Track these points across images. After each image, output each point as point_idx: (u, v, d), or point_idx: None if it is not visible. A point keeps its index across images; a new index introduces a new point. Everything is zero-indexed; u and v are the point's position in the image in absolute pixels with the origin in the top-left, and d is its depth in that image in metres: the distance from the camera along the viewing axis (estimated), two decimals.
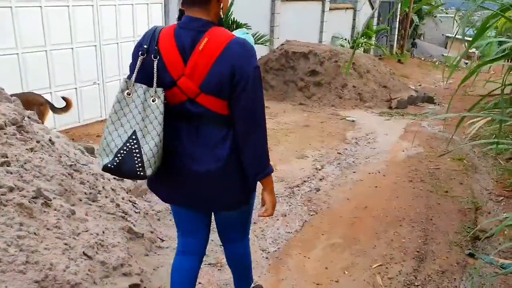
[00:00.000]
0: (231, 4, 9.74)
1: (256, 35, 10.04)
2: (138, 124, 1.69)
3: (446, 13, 26.37)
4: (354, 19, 16.90)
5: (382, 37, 19.46)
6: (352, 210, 4.19)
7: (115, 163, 1.68)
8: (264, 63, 10.65)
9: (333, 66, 9.91)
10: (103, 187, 3.21)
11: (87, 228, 2.70)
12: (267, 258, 3.24)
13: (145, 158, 1.68)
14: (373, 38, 17.08)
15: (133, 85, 1.72)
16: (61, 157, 3.12)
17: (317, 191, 4.65)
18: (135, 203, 3.42)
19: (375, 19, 18.29)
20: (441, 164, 5.74)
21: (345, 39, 15.76)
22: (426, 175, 5.31)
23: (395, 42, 20.63)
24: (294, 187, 4.68)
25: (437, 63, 21.15)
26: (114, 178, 3.62)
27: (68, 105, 5.16)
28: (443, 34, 26.89)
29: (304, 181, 4.91)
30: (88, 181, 3.12)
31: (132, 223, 3.11)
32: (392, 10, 19.84)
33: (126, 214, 3.15)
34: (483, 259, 3.35)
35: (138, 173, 1.70)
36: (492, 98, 10.40)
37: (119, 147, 1.68)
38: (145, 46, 1.73)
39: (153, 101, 1.70)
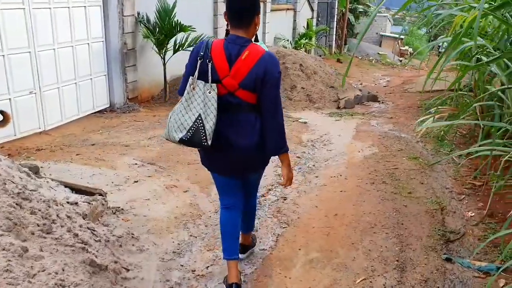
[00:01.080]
0: (173, 6, 9.39)
1: (200, 38, 9.71)
2: (201, 109, 2.37)
3: (380, 12, 27.31)
4: (294, 20, 16.97)
5: (322, 37, 19.73)
6: (323, 219, 4.03)
7: (188, 136, 2.40)
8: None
9: (282, 68, 9.77)
10: (57, 215, 2.82)
11: (43, 267, 2.32)
12: (244, 281, 2.98)
13: (208, 133, 2.37)
14: (314, 39, 17.23)
15: (196, 81, 2.41)
16: (5, 184, 2.70)
17: (284, 200, 4.45)
18: (94, 230, 3.05)
19: (314, 20, 18.48)
20: (398, 164, 5.73)
21: (287, 40, 15.77)
22: (386, 176, 5.26)
23: (334, 42, 20.99)
24: (260, 197, 4.45)
25: (373, 61, 21.78)
26: (68, 202, 3.22)
27: (5, 119, 4.63)
28: (377, 33, 27.78)
29: (269, 190, 4.70)
30: (39, 210, 2.72)
31: (93, 254, 2.75)
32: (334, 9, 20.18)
33: (86, 245, 2.77)
34: (461, 264, 3.30)
35: (204, 143, 2.39)
36: (435, 94, 10.74)
37: (190, 125, 2.38)
38: (202, 53, 2.43)
39: (209, 92, 2.37)
